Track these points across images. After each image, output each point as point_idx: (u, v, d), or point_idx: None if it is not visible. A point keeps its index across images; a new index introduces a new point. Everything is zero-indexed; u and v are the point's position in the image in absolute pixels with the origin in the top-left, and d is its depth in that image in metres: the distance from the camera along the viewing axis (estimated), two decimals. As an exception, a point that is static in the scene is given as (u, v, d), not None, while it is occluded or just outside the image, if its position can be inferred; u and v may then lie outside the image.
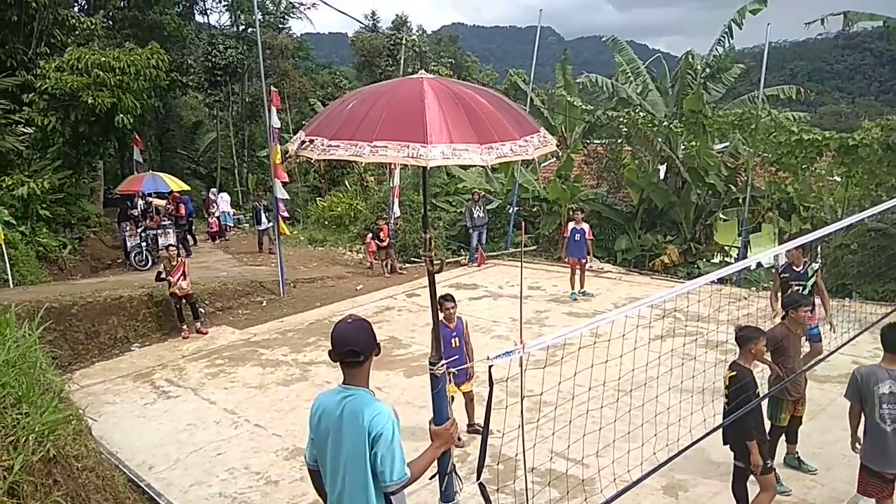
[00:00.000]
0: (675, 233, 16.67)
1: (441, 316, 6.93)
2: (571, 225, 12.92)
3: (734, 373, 5.23)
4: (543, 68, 40.10)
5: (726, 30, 17.66)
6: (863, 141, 13.48)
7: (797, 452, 6.51)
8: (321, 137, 3.23)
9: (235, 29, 32.61)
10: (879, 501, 4.95)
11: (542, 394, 5.14)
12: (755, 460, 5.15)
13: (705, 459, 6.41)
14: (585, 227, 12.84)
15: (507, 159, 3.46)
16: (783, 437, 6.40)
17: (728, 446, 5.44)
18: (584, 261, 12.83)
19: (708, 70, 18.32)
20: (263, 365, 10.23)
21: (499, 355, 3.80)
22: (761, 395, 5.30)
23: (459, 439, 6.85)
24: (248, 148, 33.10)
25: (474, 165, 3.36)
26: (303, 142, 3.32)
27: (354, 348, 3.19)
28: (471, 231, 16.31)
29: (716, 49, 18.23)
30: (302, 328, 12.00)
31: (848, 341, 7.62)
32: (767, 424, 6.23)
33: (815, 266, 8.23)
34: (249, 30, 30.80)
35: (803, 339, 6.59)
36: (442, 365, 3.66)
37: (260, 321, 12.55)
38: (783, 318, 6.30)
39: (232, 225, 24.39)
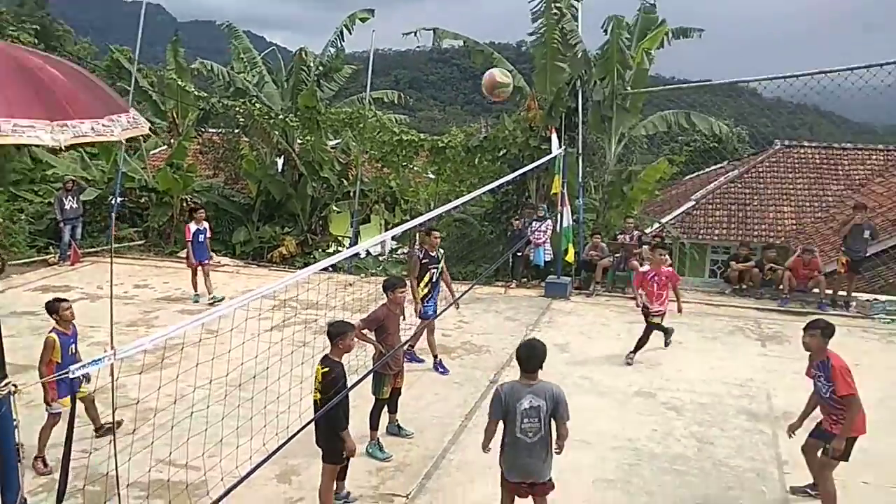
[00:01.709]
0: (292, 224, 17.05)
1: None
2: (193, 226, 11.88)
3: (326, 368, 5.28)
4: (154, 48, 37.09)
5: (339, 32, 18.60)
6: (450, 144, 15.58)
7: (397, 420, 7.21)
8: None
9: None
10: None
11: (137, 402, 4.74)
12: (350, 447, 5.37)
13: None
14: (206, 225, 12.15)
15: (86, 139, 3.08)
16: (385, 409, 7.03)
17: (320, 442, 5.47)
18: (207, 263, 12.14)
19: (321, 68, 19.08)
20: None
21: (84, 364, 3.37)
22: (347, 385, 5.44)
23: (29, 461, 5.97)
24: None
25: (43, 145, 2.86)
26: None
27: None
28: (62, 225, 14.25)
29: (329, 49, 19.08)
30: None
31: (437, 315, 8.74)
32: (371, 400, 6.79)
33: (442, 252, 9.13)
34: None
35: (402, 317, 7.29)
36: (6, 384, 3.11)
37: None
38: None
39: None
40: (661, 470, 6.49)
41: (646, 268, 9.39)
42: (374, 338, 6.80)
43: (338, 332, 5.39)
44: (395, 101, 20.21)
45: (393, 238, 18.36)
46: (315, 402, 5.34)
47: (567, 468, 6.46)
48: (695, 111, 16.86)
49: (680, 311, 9.40)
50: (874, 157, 23.82)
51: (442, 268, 9.00)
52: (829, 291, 11.99)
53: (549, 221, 13.10)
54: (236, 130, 18.16)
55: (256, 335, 6.41)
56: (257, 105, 16.56)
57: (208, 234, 12.10)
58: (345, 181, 17.61)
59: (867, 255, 12.40)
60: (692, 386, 8.48)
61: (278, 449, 4.61)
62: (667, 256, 9.36)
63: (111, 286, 4.19)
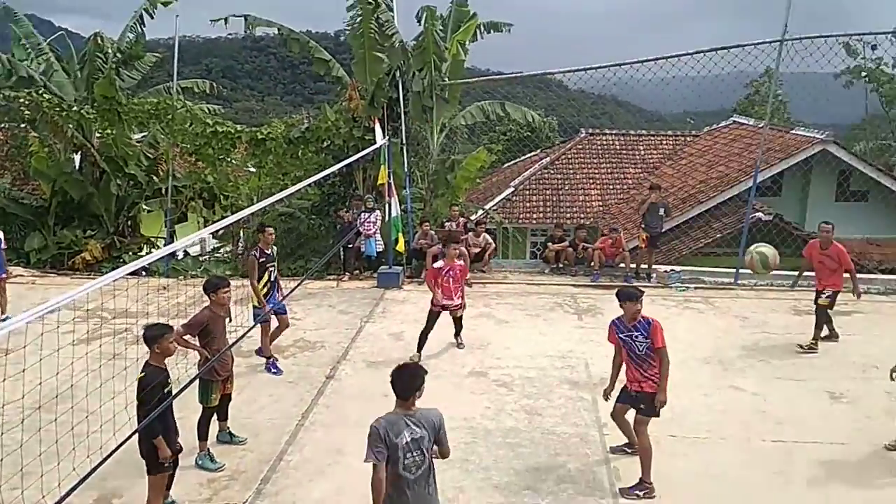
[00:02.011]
0: (96, 227, 15.52)
1: None
2: None
3: (143, 374, 5.03)
4: (-88, 32, 31.99)
5: (138, 17, 17.16)
6: (269, 135, 15.00)
7: (228, 428, 6.84)
8: None
9: None
10: None
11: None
12: (164, 454, 5.08)
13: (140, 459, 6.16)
14: (1, 235, 10.66)
15: None
16: (215, 417, 6.63)
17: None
18: (3, 278, 10.59)
19: (120, 55, 17.50)
20: None
21: None
22: (174, 391, 5.21)
23: None
24: None
25: None
26: None
27: None
28: None
29: (128, 35, 17.55)
30: None
31: (267, 315, 8.39)
32: (198, 409, 6.37)
33: (275, 248, 8.78)
34: None
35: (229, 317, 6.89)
36: None
37: None
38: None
39: None
40: (496, 445, 6.75)
41: (440, 264, 9.20)
42: (197, 343, 6.39)
43: (154, 336, 5.09)
44: (208, 91, 19.03)
45: (214, 236, 17.43)
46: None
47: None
48: (509, 102, 17.62)
49: (463, 307, 9.32)
50: (665, 142, 26.49)
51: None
52: (633, 265, 13.16)
53: (377, 212, 13.12)
54: (23, 125, 16.17)
55: (57, 350, 5.76)
56: (46, 96, 14.84)
57: (2, 245, 10.66)
58: (154, 177, 16.31)
59: (663, 230, 13.76)
60: (519, 362, 8.91)
61: (93, 471, 4.18)
62: (469, 244, 9.37)
63: None
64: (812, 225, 18.58)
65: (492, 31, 16.23)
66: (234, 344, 6.71)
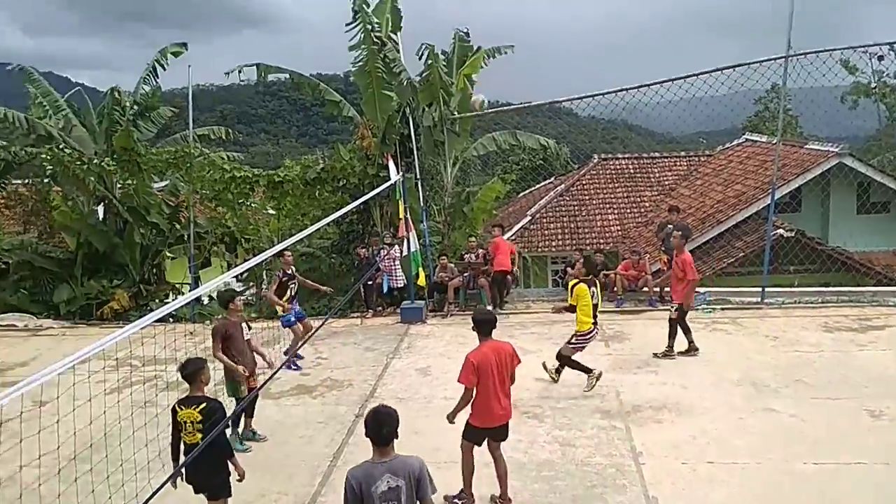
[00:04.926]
0: (122, 276, 15.71)
1: None
2: None
3: (203, 404, 5.19)
4: (-65, 96, 32.94)
5: (151, 68, 17.59)
6: (286, 177, 15.19)
7: (252, 427, 7.64)
8: None
9: None
10: None
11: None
12: (241, 470, 5.34)
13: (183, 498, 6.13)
14: None
15: None
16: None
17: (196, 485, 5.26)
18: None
19: (136, 107, 17.89)
20: None
21: None
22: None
23: None
24: None
25: None
26: None
27: None
28: None
29: (143, 87, 17.96)
30: None
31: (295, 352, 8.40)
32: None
33: (294, 268, 10.37)
34: None
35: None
36: None
37: None
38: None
39: None
40: (531, 479, 6.63)
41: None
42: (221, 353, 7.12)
43: (198, 368, 5.36)
44: (224, 137, 19.33)
45: (237, 279, 17.54)
46: (196, 444, 5.16)
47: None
48: (520, 132, 17.70)
49: None
50: (679, 163, 26.45)
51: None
52: (657, 289, 13.02)
53: (396, 247, 13.17)
54: (45, 180, 16.51)
55: (90, 400, 5.80)
56: (66, 150, 15.16)
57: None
58: (177, 225, 16.57)
59: (684, 252, 13.61)
60: (549, 392, 8.80)
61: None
62: None
63: None
64: (835, 239, 18.38)
65: (495, 56, 16.32)
66: (264, 384, 6.80)
